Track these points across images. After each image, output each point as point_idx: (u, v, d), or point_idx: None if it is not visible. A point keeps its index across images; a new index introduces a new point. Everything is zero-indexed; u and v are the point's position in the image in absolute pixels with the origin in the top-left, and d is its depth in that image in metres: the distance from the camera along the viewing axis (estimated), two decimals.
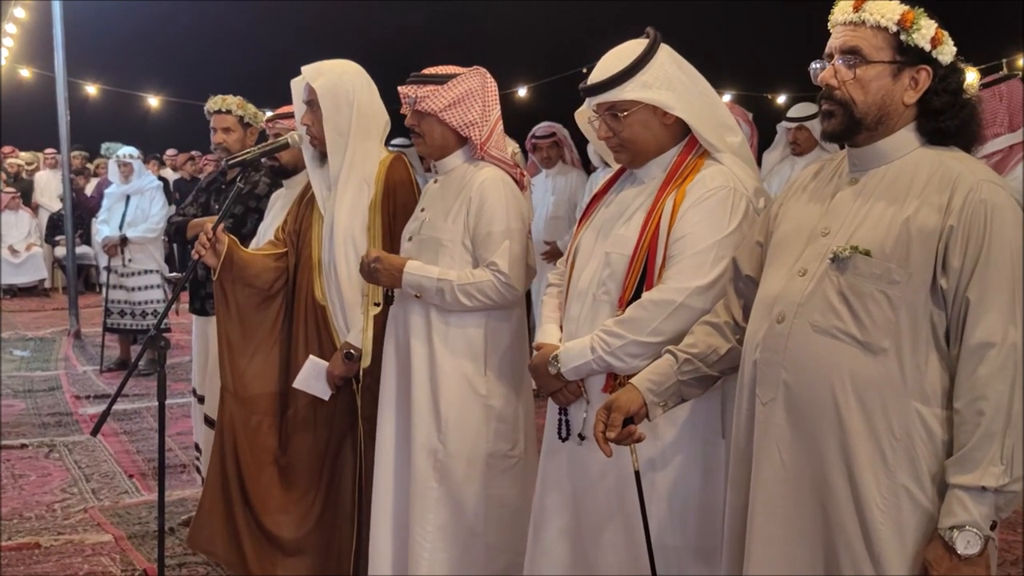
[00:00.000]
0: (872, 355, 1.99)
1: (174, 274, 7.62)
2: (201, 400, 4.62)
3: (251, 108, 4.75)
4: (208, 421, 4.39)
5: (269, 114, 4.32)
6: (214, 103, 4.70)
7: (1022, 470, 1.90)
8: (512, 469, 3.16)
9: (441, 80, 3.10)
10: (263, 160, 3.85)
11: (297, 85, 3.48)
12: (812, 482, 2.06)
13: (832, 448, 2.02)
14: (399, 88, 3.17)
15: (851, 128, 2.10)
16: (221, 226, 3.45)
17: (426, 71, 3.15)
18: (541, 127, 7.62)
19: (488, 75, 3.18)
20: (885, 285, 1.98)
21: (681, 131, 2.64)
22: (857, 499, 1.99)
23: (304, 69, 3.43)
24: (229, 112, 4.68)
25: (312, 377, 3.42)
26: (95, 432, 3.15)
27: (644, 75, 2.56)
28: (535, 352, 2.76)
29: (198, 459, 4.72)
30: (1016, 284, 1.92)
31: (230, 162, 3.50)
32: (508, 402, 3.15)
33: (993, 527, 1.91)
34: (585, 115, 2.78)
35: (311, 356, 3.44)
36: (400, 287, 3.12)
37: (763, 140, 6.98)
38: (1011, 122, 4.91)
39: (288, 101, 3.60)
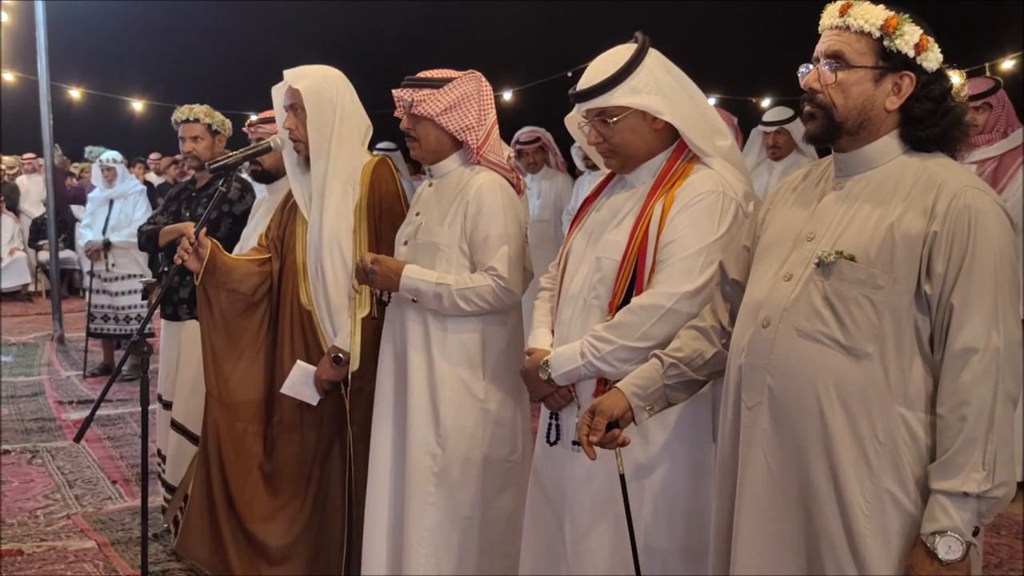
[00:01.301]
0: (856, 360, 1.99)
1: (147, 279, 7.58)
2: (167, 406, 4.60)
3: (218, 116, 4.75)
4: (175, 426, 4.38)
5: (253, 118, 4.31)
6: (181, 113, 4.71)
7: (1004, 476, 1.90)
8: (509, 473, 3.17)
9: (437, 84, 3.08)
10: (245, 164, 3.84)
11: (278, 91, 3.46)
12: (797, 486, 2.06)
13: (816, 452, 2.02)
14: (394, 91, 3.14)
15: (831, 131, 2.11)
16: (203, 230, 3.43)
17: (421, 74, 3.13)
18: (525, 132, 7.62)
19: (483, 79, 3.16)
20: (869, 290, 1.98)
21: (670, 135, 2.64)
22: (841, 503, 2.00)
23: (287, 73, 3.42)
24: (197, 121, 4.68)
25: (300, 382, 3.41)
26: (78, 438, 3.13)
27: (633, 80, 2.56)
28: (526, 357, 2.76)
29: (160, 464, 4.69)
30: (999, 290, 1.93)
31: (212, 166, 3.48)
32: (506, 407, 3.15)
33: (976, 533, 1.92)
34: (575, 121, 2.77)
35: (299, 361, 3.42)
36: (397, 291, 3.10)
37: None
38: (1005, 129, 4.94)
39: (272, 105, 3.59)
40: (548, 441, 2.73)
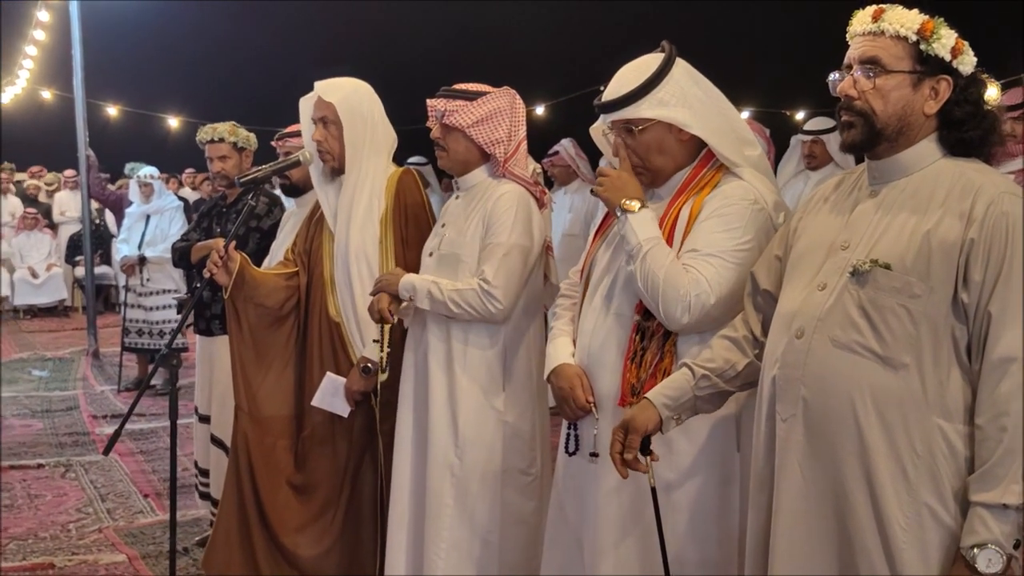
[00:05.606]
0: (893, 370, 1.95)
1: (180, 296, 7.65)
2: (203, 419, 4.62)
3: (242, 132, 4.78)
4: (215, 440, 4.39)
5: (280, 131, 4.32)
6: (205, 133, 4.74)
7: None
8: (529, 486, 3.17)
9: (471, 96, 3.12)
10: (274, 178, 3.85)
11: (307, 103, 3.49)
12: (833, 499, 2.02)
13: (853, 465, 1.98)
14: (428, 101, 3.19)
15: (871, 139, 2.07)
16: (232, 244, 3.45)
17: (457, 86, 3.17)
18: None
19: (517, 96, 3.20)
20: (906, 299, 1.94)
21: (697, 146, 2.60)
22: (879, 517, 1.96)
23: (318, 85, 3.45)
24: (222, 140, 4.72)
25: (330, 394, 3.42)
26: (107, 451, 3.17)
27: (660, 92, 2.52)
28: (555, 375, 2.71)
29: (196, 477, 4.73)
30: None
31: (242, 180, 3.49)
32: (524, 419, 3.16)
33: (1017, 546, 1.87)
34: (600, 129, 2.75)
35: (328, 373, 3.43)
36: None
37: (780, 156, 6.92)
38: None
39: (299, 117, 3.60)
40: (567, 451, 2.70)
